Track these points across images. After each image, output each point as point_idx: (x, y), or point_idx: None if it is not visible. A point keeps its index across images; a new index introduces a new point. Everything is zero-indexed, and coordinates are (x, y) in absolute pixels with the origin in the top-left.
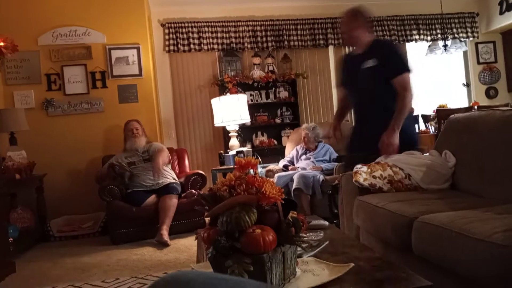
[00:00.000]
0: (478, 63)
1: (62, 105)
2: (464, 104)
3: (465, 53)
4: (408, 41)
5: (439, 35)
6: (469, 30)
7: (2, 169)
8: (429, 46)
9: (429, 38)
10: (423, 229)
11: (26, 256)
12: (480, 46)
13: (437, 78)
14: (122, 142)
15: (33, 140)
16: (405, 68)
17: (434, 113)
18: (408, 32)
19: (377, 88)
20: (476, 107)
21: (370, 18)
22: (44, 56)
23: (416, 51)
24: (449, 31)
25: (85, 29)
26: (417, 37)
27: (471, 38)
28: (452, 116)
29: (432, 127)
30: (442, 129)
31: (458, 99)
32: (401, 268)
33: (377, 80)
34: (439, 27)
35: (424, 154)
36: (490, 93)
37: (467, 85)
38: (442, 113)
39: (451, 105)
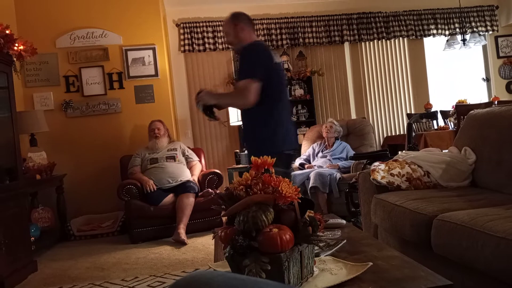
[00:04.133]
0: (498, 57)
1: (80, 106)
2: (484, 99)
3: (484, 47)
4: (425, 36)
5: (457, 29)
6: (488, 23)
7: (23, 170)
8: (447, 40)
9: (447, 32)
10: (443, 227)
11: (47, 255)
12: (500, 39)
13: (456, 73)
14: (140, 142)
15: (53, 141)
16: (245, 75)
17: (453, 109)
18: (425, 27)
19: None
20: (496, 102)
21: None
22: (62, 58)
23: (434, 46)
24: (467, 25)
25: (101, 31)
26: (434, 31)
27: (490, 32)
28: (471, 111)
29: (451, 123)
30: (462, 125)
31: (477, 94)
32: (420, 266)
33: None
34: (457, 21)
35: (443, 151)
36: (511, 87)
37: (487, 79)
38: (462, 109)
39: (471, 101)
